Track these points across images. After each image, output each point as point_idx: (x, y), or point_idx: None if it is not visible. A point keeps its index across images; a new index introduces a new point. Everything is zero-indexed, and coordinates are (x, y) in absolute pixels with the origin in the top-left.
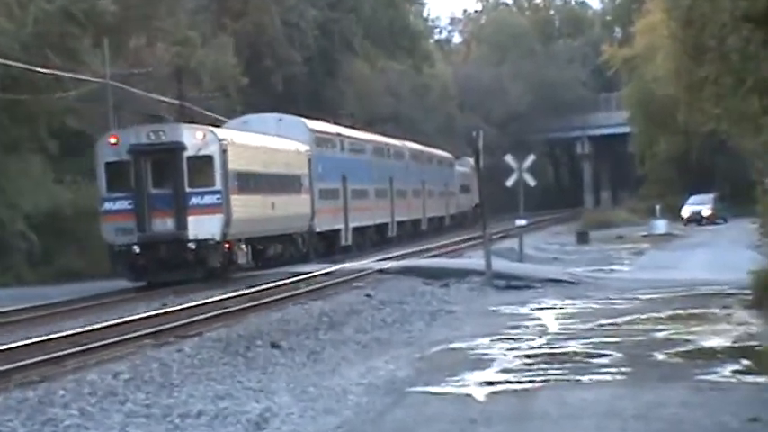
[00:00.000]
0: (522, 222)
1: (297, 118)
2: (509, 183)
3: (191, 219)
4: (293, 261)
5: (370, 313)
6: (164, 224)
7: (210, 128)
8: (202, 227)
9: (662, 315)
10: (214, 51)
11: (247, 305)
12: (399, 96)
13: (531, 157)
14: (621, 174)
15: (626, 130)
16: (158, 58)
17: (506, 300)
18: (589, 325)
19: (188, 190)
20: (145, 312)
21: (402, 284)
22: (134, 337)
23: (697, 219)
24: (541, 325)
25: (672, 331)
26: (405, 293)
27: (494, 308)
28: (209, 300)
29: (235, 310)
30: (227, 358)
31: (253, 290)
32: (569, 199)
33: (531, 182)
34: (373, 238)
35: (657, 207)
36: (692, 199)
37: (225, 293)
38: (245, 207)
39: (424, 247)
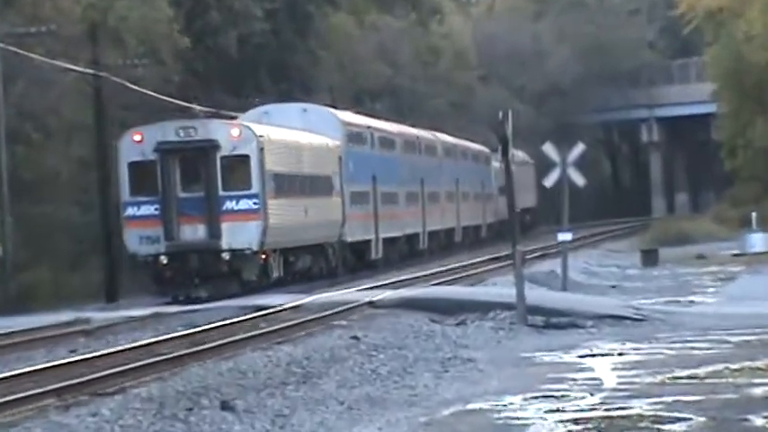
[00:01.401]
0: (567, 237)
1: (325, 108)
2: (548, 182)
3: (225, 226)
4: (321, 276)
5: (357, 362)
6: (194, 232)
7: (246, 123)
8: (238, 235)
9: (760, 364)
10: (141, 2)
11: (189, 351)
12: (397, 63)
13: (580, 147)
14: (704, 169)
15: (709, 109)
16: (65, 12)
17: (545, 344)
18: (659, 378)
19: (222, 193)
20: (47, 362)
21: (401, 322)
22: (32, 396)
23: None
24: (594, 378)
25: None
26: (405, 335)
27: (528, 355)
28: (137, 344)
29: (171, 358)
30: (160, 424)
31: (195, 330)
32: (632, 204)
33: (580, 181)
34: (403, 251)
35: (753, 216)
36: None
37: (157, 335)
38: (282, 213)
39: (452, 265)
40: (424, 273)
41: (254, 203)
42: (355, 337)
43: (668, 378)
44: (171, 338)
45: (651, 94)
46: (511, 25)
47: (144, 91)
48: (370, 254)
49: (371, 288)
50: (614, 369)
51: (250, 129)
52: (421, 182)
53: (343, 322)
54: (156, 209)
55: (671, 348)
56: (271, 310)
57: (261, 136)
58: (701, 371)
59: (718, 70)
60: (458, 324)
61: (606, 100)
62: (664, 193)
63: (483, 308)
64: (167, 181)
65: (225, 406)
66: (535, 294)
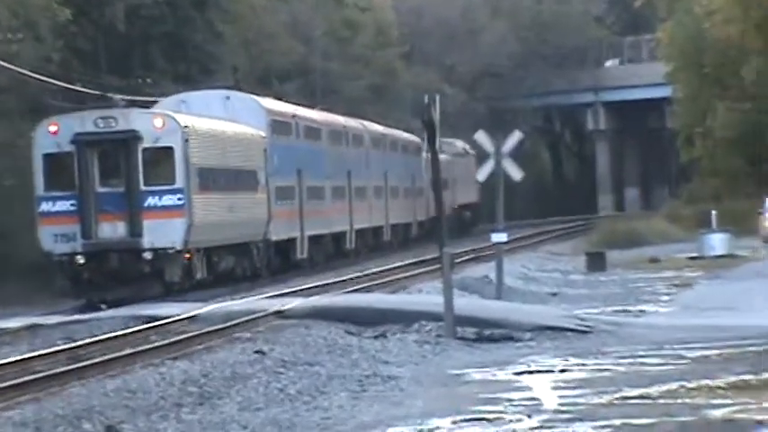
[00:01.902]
0: (502, 238)
1: (249, 96)
2: (481, 175)
3: (146, 223)
4: (245, 277)
5: (262, 380)
6: (113, 229)
7: (170, 113)
8: (160, 233)
9: (720, 383)
10: None
11: (70, 368)
12: (310, 40)
13: (517, 136)
14: (657, 162)
15: (663, 93)
16: None
17: (477, 359)
18: (606, 398)
19: (143, 188)
20: None
21: (313, 335)
22: None
23: None
24: (532, 398)
25: (735, 408)
26: (318, 349)
27: (457, 372)
28: (8, 360)
29: (49, 376)
30: None
31: (77, 344)
32: (576, 201)
33: (517, 174)
34: (329, 251)
35: (713, 214)
36: None
37: (33, 350)
38: (207, 210)
39: (380, 268)
40: (340, 278)
41: (179, 199)
42: (260, 352)
43: (616, 398)
44: (49, 353)
45: (597, 76)
46: None
47: (19, 70)
48: (295, 253)
49: (279, 295)
50: (555, 388)
51: (174, 119)
52: (348, 175)
53: (247, 335)
54: (72, 204)
55: (619, 364)
56: (163, 321)
57: (186, 127)
58: (653, 390)
59: (674, 49)
60: (377, 337)
61: (547, 82)
62: (612, 189)
63: (406, 318)
64: (85, 175)
65: (111, 431)
66: (465, 303)
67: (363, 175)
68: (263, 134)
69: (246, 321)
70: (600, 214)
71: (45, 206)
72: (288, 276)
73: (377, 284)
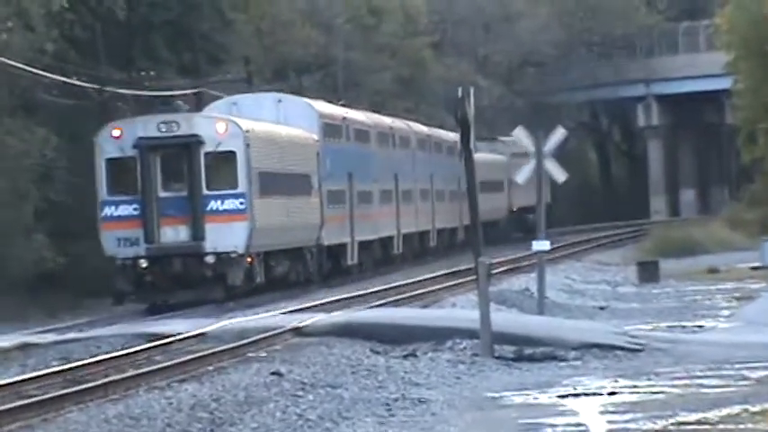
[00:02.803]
0: (544, 246)
1: (301, 99)
2: (521, 178)
3: (209, 227)
4: (298, 282)
5: (279, 404)
6: (176, 233)
7: (232, 118)
8: (223, 237)
9: None
10: None
11: (66, 391)
12: (330, 29)
13: (560, 133)
14: (716, 161)
15: (723, 84)
16: None
17: (516, 381)
18: (661, 424)
19: (206, 192)
20: None
21: (336, 354)
22: None
23: None
24: (578, 424)
25: None
26: (340, 370)
27: (495, 394)
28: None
29: (44, 400)
30: None
31: (75, 365)
32: (626, 205)
33: (560, 176)
34: (377, 256)
35: None
36: None
37: (26, 372)
38: (267, 214)
39: (422, 277)
40: (367, 290)
41: (241, 203)
42: (277, 373)
43: (672, 424)
44: (43, 375)
45: (649, 67)
46: None
47: (9, 62)
48: (346, 259)
49: (298, 310)
50: (604, 413)
51: (237, 124)
52: (395, 178)
53: (263, 354)
54: (135, 209)
55: (675, 386)
56: (170, 340)
57: (247, 131)
58: (712, 415)
59: (735, 36)
60: (406, 356)
61: (593, 74)
62: (665, 191)
63: (438, 336)
64: (148, 179)
65: None
66: (504, 318)
67: (410, 178)
68: (315, 137)
69: (261, 339)
70: (652, 219)
71: (108, 210)
72: (339, 282)
73: (406, 298)
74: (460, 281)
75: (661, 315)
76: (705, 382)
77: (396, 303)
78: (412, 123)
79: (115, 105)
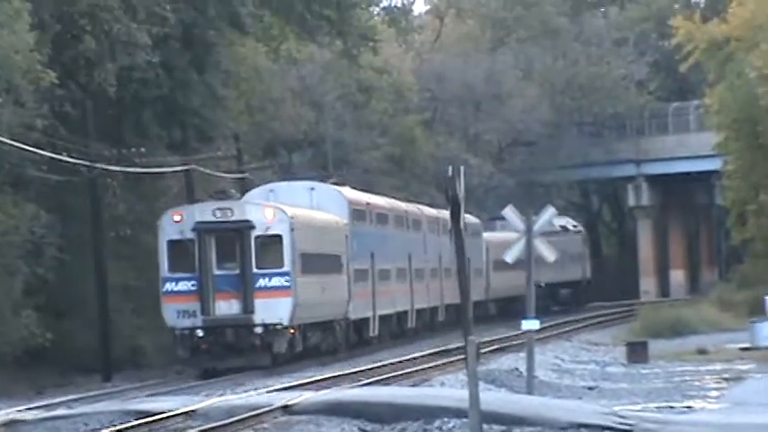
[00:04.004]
0: (533, 325)
1: (333, 187)
2: (509, 257)
3: (258, 302)
4: (328, 352)
5: None
6: (229, 307)
7: (279, 206)
8: (270, 310)
9: None
10: None
11: None
12: (321, 106)
13: (550, 212)
14: (705, 242)
15: (713, 165)
16: None
17: None
18: None
19: (255, 271)
20: None
21: None
22: None
23: None
24: None
25: None
26: None
27: None
28: None
29: None
30: None
31: None
32: (615, 284)
33: (550, 255)
34: (394, 329)
35: (767, 299)
36: None
37: None
38: (307, 290)
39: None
40: (355, 368)
41: (286, 281)
42: None
43: None
44: None
45: (640, 147)
46: (463, 58)
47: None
48: (368, 331)
49: (287, 388)
50: None
51: (283, 211)
52: (408, 258)
53: None
54: (193, 284)
55: None
56: (157, 417)
57: (292, 217)
58: None
59: (724, 116)
60: None
61: (583, 153)
62: (655, 271)
63: (427, 414)
64: (204, 258)
65: None
66: (493, 398)
67: (421, 258)
68: (345, 221)
69: (250, 417)
70: (642, 299)
71: (169, 286)
72: (363, 352)
73: (396, 376)
74: (451, 360)
75: (650, 395)
76: None
77: (385, 382)
78: (423, 207)
79: (105, 182)
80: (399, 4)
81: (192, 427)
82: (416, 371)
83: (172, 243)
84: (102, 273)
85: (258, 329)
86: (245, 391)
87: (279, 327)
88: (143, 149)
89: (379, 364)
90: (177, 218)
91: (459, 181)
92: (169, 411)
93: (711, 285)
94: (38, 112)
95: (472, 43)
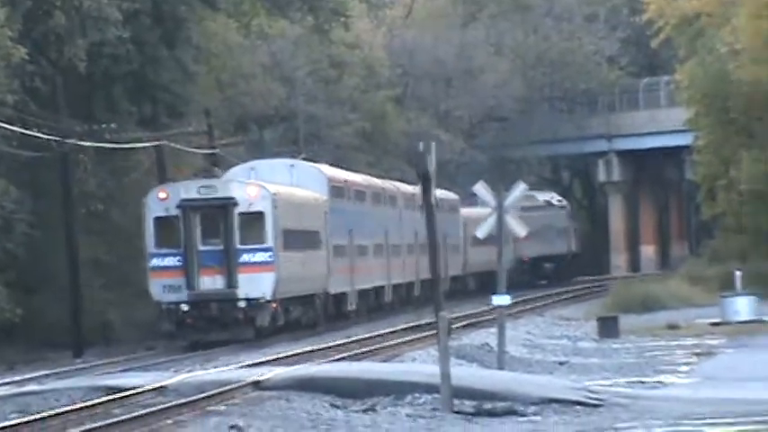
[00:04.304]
0: (504, 300)
1: (312, 165)
2: (480, 232)
3: (241, 277)
4: (307, 326)
5: None
6: (213, 282)
7: (262, 183)
8: (253, 285)
9: None
10: None
11: None
12: (292, 81)
13: (521, 188)
14: (676, 217)
15: (683, 141)
16: None
17: None
18: None
19: (239, 247)
20: None
21: (295, 408)
22: None
23: None
24: None
25: None
26: (300, 424)
27: None
28: None
29: None
30: None
31: (32, 418)
32: (586, 260)
33: (521, 230)
34: (371, 303)
35: (738, 275)
36: None
37: None
38: (289, 265)
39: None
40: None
41: (269, 256)
42: (236, 427)
43: None
44: (0, 429)
45: (611, 122)
46: (434, 34)
47: None
48: (347, 305)
49: (257, 364)
50: None
51: (266, 188)
52: (385, 234)
53: (222, 407)
54: (178, 260)
55: None
56: (128, 393)
57: (275, 194)
58: None
59: (695, 92)
60: (366, 410)
61: (554, 129)
62: (626, 247)
63: (398, 390)
64: (189, 235)
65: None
66: (464, 373)
67: (398, 234)
68: (324, 198)
69: (221, 393)
70: (613, 275)
71: (155, 261)
72: (341, 326)
73: (367, 352)
74: (423, 335)
75: (621, 370)
76: None
77: (357, 357)
78: (399, 184)
79: (76, 157)
80: None
81: (162, 403)
82: (389, 346)
83: (158, 220)
84: (73, 248)
85: (242, 304)
86: (215, 367)
87: (262, 301)
88: (114, 125)
89: (353, 338)
90: (163, 195)
91: (431, 157)
92: (140, 387)
93: (682, 260)
94: (8, 87)
95: (444, 19)
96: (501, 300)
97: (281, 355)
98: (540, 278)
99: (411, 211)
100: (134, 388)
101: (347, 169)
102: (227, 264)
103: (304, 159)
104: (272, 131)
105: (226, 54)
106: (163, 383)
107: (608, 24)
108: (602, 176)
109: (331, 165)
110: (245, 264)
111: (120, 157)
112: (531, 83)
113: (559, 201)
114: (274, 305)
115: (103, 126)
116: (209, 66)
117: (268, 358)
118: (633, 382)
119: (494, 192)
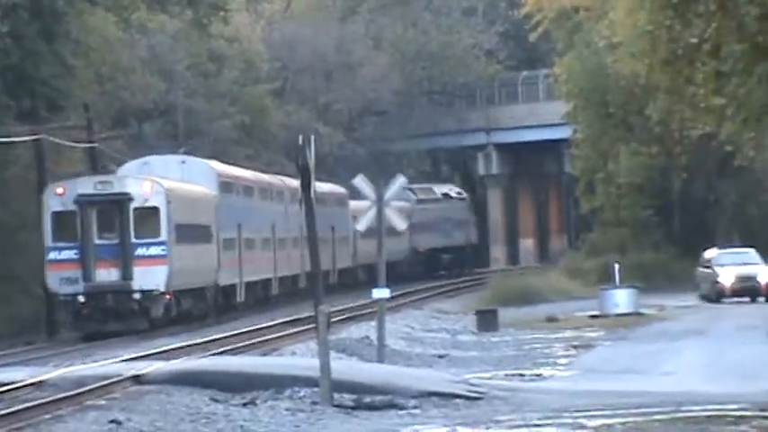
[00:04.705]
0: (384, 294)
1: (202, 161)
2: (361, 225)
3: (136, 269)
4: (198, 317)
5: None
6: (109, 274)
7: (157, 179)
8: (148, 277)
9: None
10: None
11: None
12: (171, 75)
13: (401, 181)
14: (554, 210)
15: (562, 134)
16: None
17: (356, 429)
18: None
19: (134, 240)
20: None
21: (175, 402)
22: None
23: (750, 290)
24: None
25: None
26: (179, 418)
27: None
28: None
29: None
30: None
31: None
32: (465, 253)
33: (401, 224)
34: (259, 295)
35: (616, 267)
36: (728, 256)
37: None
38: (182, 259)
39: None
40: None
41: (162, 250)
42: (116, 422)
43: None
44: None
45: (490, 116)
46: (313, 27)
47: None
48: (236, 297)
49: (137, 358)
50: None
51: (160, 183)
52: (272, 228)
53: (101, 402)
54: (75, 253)
55: None
56: (6, 388)
57: (169, 190)
58: None
59: (573, 85)
60: (246, 404)
61: (434, 122)
62: (505, 240)
63: (278, 383)
64: (86, 229)
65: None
66: (344, 366)
67: (284, 228)
68: (214, 194)
69: (100, 387)
70: (492, 268)
71: (53, 255)
72: (230, 317)
73: (246, 345)
74: (301, 329)
75: (500, 363)
76: (543, 430)
77: (236, 351)
78: (286, 179)
79: None
80: None
81: (40, 398)
82: (269, 339)
83: (55, 214)
84: None
85: (136, 295)
86: (95, 361)
87: (156, 293)
88: None
89: (240, 331)
90: (60, 190)
91: (310, 150)
92: (18, 382)
93: (561, 253)
94: None
95: (323, 12)
96: (381, 293)
97: (162, 349)
98: (439, 269)
99: (297, 206)
100: (12, 383)
101: (229, 163)
102: (123, 257)
103: (185, 153)
104: (152, 125)
105: (105, 48)
106: (41, 378)
107: (486, 18)
108: (481, 170)
109: (211, 158)
110: (140, 257)
111: None
112: (410, 76)
113: (459, 193)
114: (168, 297)
115: None
116: (88, 60)
117: (148, 352)
118: (512, 375)
119: (373, 185)
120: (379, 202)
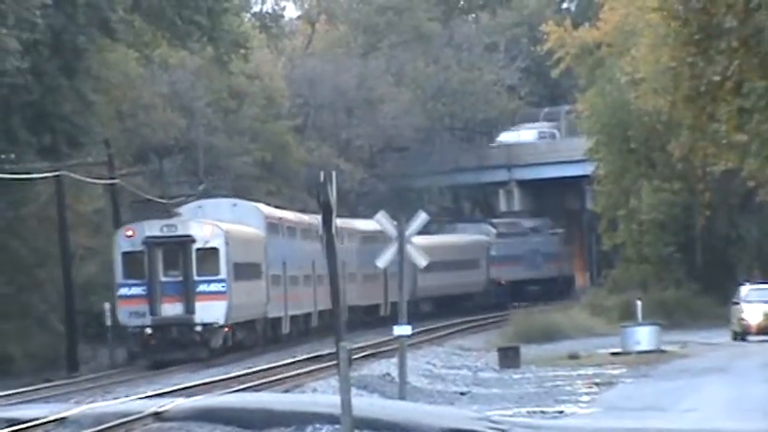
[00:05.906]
0: (406, 331)
1: (251, 204)
2: (381, 262)
3: (198, 304)
4: (250, 347)
5: None
6: (173, 308)
7: (217, 223)
8: (209, 311)
9: None
10: None
11: None
12: (192, 112)
13: (422, 218)
14: (576, 246)
15: (584, 170)
16: None
17: None
18: None
19: (196, 278)
20: None
21: None
22: None
23: None
24: None
25: None
26: None
27: None
28: None
29: None
30: None
31: None
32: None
33: (422, 261)
34: (301, 327)
35: (638, 304)
36: (757, 293)
37: None
38: (239, 294)
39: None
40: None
41: (222, 286)
42: None
43: None
44: None
45: (511, 152)
46: (334, 64)
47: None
48: (281, 329)
49: (158, 395)
50: None
51: (219, 226)
52: (313, 264)
53: None
54: (143, 290)
55: None
56: (28, 425)
57: (227, 232)
58: None
59: (595, 121)
60: None
61: (455, 159)
62: None
63: (299, 420)
64: (152, 267)
65: None
66: (365, 404)
67: (323, 264)
68: (263, 234)
69: (121, 424)
70: (513, 304)
71: (123, 291)
72: (278, 347)
73: (268, 382)
74: (322, 365)
75: (522, 400)
76: None
77: (257, 388)
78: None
79: None
80: (270, 10)
81: None
82: (288, 377)
83: (125, 254)
84: None
85: (198, 328)
86: (115, 398)
87: (216, 325)
88: (12, 155)
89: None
90: (129, 233)
91: (331, 186)
92: (40, 418)
93: (583, 290)
94: None
95: (344, 49)
96: (402, 330)
97: (184, 385)
98: (523, 300)
99: (337, 242)
100: (35, 419)
101: (250, 199)
102: (186, 293)
103: (206, 190)
104: (172, 162)
105: (125, 84)
106: (63, 415)
107: (508, 54)
108: (502, 206)
109: (234, 196)
110: (202, 293)
111: (19, 188)
112: (432, 112)
113: (551, 228)
114: (227, 329)
115: (2, 156)
116: (108, 96)
117: (171, 389)
118: (534, 413)
119: (394, 222)
120: (401, 239)
